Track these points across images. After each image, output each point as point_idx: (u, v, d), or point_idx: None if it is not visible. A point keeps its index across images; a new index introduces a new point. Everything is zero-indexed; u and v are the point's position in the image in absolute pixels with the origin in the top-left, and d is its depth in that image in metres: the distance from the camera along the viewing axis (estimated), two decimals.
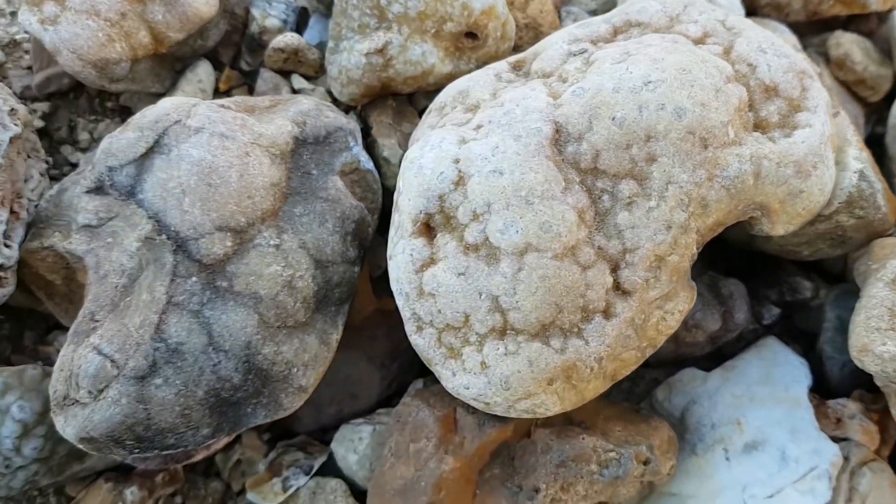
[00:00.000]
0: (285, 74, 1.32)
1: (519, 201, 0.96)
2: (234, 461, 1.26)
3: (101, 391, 0.98)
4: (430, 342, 1.02)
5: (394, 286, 1.06)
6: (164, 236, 1.05)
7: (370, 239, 1.19)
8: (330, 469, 1.24)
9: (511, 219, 0.96)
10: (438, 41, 1.19)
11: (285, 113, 1.15)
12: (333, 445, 1.23)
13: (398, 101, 1.28)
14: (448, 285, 0.99)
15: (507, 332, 0.97)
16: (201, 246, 1.04)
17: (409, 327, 1.04)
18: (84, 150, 1.32)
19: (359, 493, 1.20)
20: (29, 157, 1.18)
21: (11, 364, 1.25)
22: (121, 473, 1.23)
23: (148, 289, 1.02)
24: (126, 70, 1.19)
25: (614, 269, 0.99)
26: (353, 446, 1.20)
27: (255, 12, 1.30)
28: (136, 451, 1.02)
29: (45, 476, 1.13)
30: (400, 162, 1.20)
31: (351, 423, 1.24)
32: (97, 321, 1.01)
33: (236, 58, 1.36)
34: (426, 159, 1.04)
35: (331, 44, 1.25)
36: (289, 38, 1.28)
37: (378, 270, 1.26)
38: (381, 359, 1.25)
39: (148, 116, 1.07)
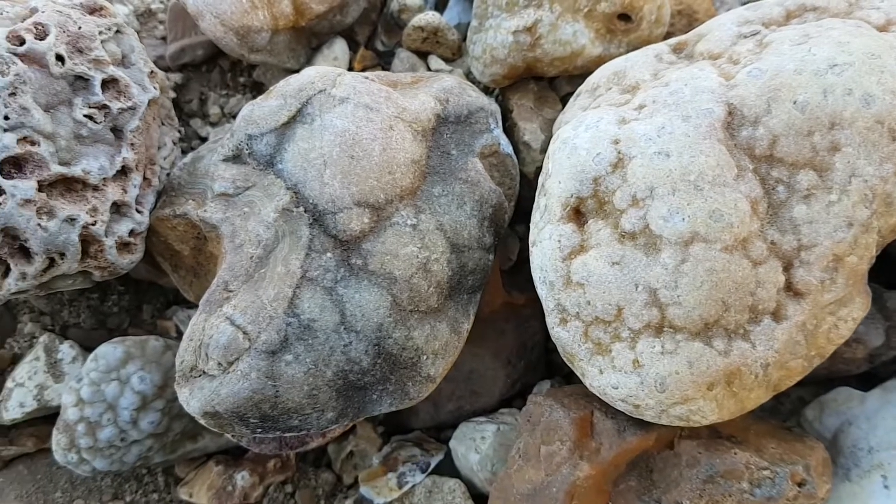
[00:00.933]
0: (422, 55, 1.28)
1: (687, 186, 0.88)
2: (346, 452, 1.21)
3: (231, 363, 0.93)
4: (576, 336, 0.95)
5: (536, 275, 0.99)
6: (301, 208, 1.00)
7: (506, 226, 1.13)
8: (445, 468, 1.17)
9: (677, 205, 0.88)
10: (590, 21, 1.13)
11: (428, 89, 1.10)
12: (452, 443, 1.16)
13: (539, 85, 1.22)
14: (600, 275, 0.92)
15: (665, 328, 0.89)
16: (339, 221, 1.00)
17: (552, 319, 0.97)
18: (213, 125, 1.29)
19: (477, 496, 1.13)
20: (163, 124, 1.16)
21: (126, 335, 1.22)
22: (231, 457, 1.19)
23: (283, 261, 0.98)
24: (266, 40, 1.16)
25: (787, 267, 0.90)
26: (474, 445, 1.13)
27: None
28: (259, 430, 0.97)
29: (158, 453, 1.09)
30: (542, 147, 1.14)
31: (472, 420, 1.17)
32: (230, 291, 0.97)
33: (371, 37, 1.32)
34: (581, 139, 0.97)
35: (474, 22, 1.20)
36: (430, 17, 1.23)
37: (508, 263, 1.19)
38: (507, 355, 1.18)
39: (292, 84, 1.03)
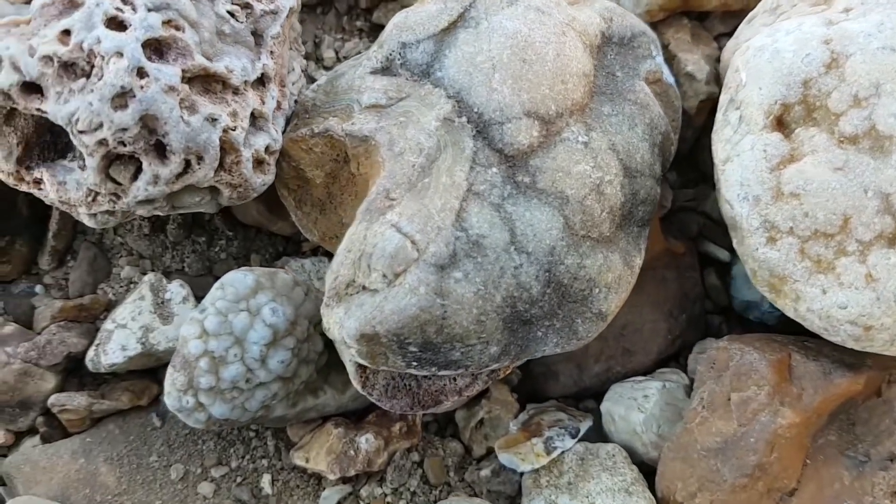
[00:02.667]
0: None
1: None
2: (477, 420, 1.07)
3: (397, 276, 0.81)
4: (789, 254, 0.83)
5: (733, 192, 0.88)
6: (464, 118, 0.90)
7: (671, 159, 1.02)
8: (591, 439, 1.04)
9: None
10: None
11: (591, 7, 1.01)
12: (605, 406, 1.03)
13: (692, 21, 1.13)
14: (820, 182, 0.81)
15: None
16: (506, 132, 0.89)
17: (756, 240, 0.86)
18: (327, 69, 1.20)
19: (637, 464, 0.99)
20: (291, 47, 1.06)
21: None
22: (351, 420, 1.05)
23: (447, 172, 0.87)
24: None
25: None
26: (636, 404, 1.00)
27: None
28: (415, 362, 0.84)
29: (281, 403, 0.96)
30: (706, 79, 1.04)
31: (629, 380, 1.04)
32: (393, 199, 0.85)
33: None
34: (784, 43, 0.88)
35: None
36: None
37: (662, 210, 1.08)
38: (669, 307, 1.06)
39: None
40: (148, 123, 0.82)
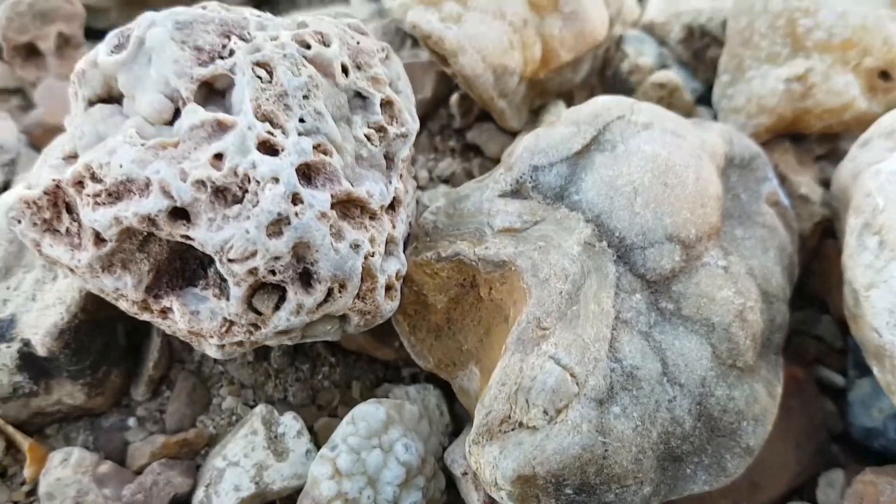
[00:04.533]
0: None
1: None
2: None
3: (558, 412, 0.77)
4: None
5: (882, 320, 0.86)
6: (604, 242, 0.88)
7: (795, 283, 1.00)
8: None
9: None
10: (858, 77, 1.06)
11: (710, 129, 1.01)
12: None
13: (794, 143, 1.14)
14: None
15: None
16: (648, 257, 0.87)
17: None
18: (422, 188, 1.18)
19: None
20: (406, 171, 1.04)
21: (336, 416, 1.04)
22: None
23: (594, 299, 0.84)
24: (515, 84, 1.08)
25: None
26: None
27: (628, 49, 1.20)
28: None
29: None
30: (821, 201, 1.04)
31: None
32: (546, 328, 0.82)
33: (587, 99, 1.24)
34: None
35: (725, 78, 1.13)
36: (670, 75, 1.17)
37: None
38: (796, 437, 1.02)
39: (584, 111, 0.94)
40: (299, 251, 0.78)
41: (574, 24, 1.08)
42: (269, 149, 0.79)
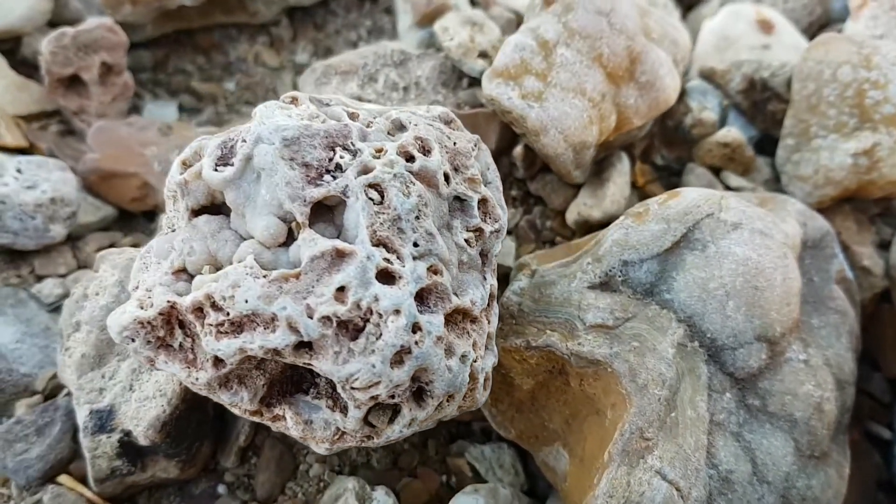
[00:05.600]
0: (714, 171, 1.22)
1: None
2: None
3: None
4: None
5: None
6: (696, 343, 0.92)
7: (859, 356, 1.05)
8: None
9: None
10: None
11: (785, 212, 1.04)
12: None
13: (852, 206, 1.17)
14: None
15: None
16: (738, 357, 0.91)
17: None
18: None
19: None
20: None
21: (416, 476, 1.09)
22: None
23: (690, 404, 0.88)
24: (592, 156, 1.09)
25: None
26: None
27: (691, 103, 1.21)
28: None
29: None
30: (883, 272, 1.08)
31: None
32: (648, 439, 0.86)
33: (648, 151, 1.26)
34: None
35: (789, 141, 1.15)
36: (734, 133, 1.18)
37: None
38: (853, 499, 1.08)
39: (673, 208, 0.95)
40: (418, 375, 0.81)
41: (649, 94, 1.08)
42: (387, 277, 0.80)
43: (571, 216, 1.17)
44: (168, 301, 0.82)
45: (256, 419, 0.88)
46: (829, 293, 1.02)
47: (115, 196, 1.24)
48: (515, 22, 1.40)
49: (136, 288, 0.88)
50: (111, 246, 1.25)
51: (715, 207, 0.95)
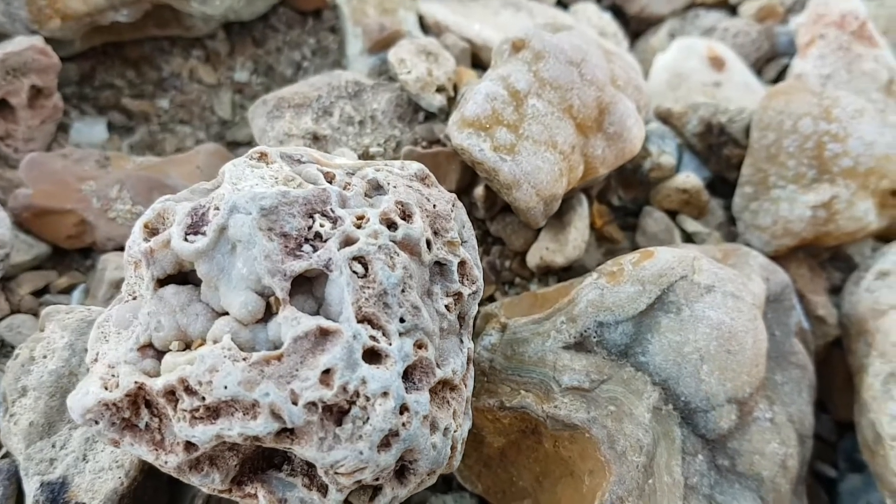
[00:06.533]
0: (669, 214, 1.23)
1: None
2: None
3: None
4: None
5: None
6: (670, 406, 0.93)
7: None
8: None
9: None
10: (874, 198, 1.13)
11: (749, 268, 1.05)
12: None
13: (804, 252, 1.20)
14: None
15: None
16: (709, 419, 0.92)
17: None
18: None
19: None
20: None
21: None
22: None
23: (667, 469, 0.89)
24: (558, 206, 1.08)
25: None
26: None
27: (650, 148, 1.21)
28: None
29: None
30: (836, 322, 1.12)
31: None
32: None
33: (605, 191, 1.26)
34: None
35: (747, 189, 1.17)
36: (692, 179, 1.19)
37: None
38: None
39: (648, 269, 0.95)
40: (403, 455, 0.78)
41: (616, 144, 1.08)
42: (374, 356, 0.77)
43: (533, 260, 1.16)
44: (136, 382, 0.77)
45: (226, 496, 0.84)
46: (790, 347, 1.04)
47: (50, 233, 1.15)
48: (469, 51, 1.37)
49: (96, 361, 0.82)
50: (46, 287, 1.17)
51: (688, 269, 0.95)
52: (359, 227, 0.81)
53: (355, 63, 1.37)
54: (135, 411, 0.79)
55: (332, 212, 0.81)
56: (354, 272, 0.78)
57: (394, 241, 0.81)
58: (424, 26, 1.45)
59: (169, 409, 0.76)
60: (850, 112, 1.12)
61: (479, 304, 1.17)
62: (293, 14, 1.54)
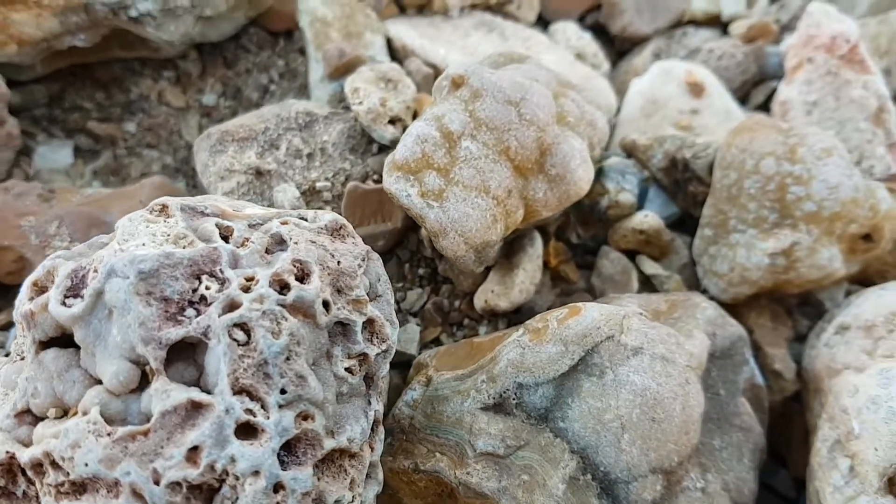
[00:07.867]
0: (628, 254, 1.17)
1: None
2: None
3: None
4: None
5: None
6: (588, 476, 0.87)
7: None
8: None
9: None
10: (840, 243, 1.05)
11: (694, 321, 0.99)
12: None
13: (768, 299, 1.13)
14: None
15: None
16: (631, 490, 0.87)
17: None
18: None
19: None
20: None
21: None
22: None
23: None
24: (495, 253, 1.03)
25: None
26: None
27: (608, 185, 1.15)
28: None
29: None
30: (794, 377, 1.04)
31: None
32: None
33: (563, 228, 1.20)
34: None
35: (707, 231, 1.10)
36: (651, 220, 1.13)
37: None
38: None
39: (573, 328, 0.90)
40: None
41: (559, 186, 1.02)
42: (248, 431, 0.74)
43: (479, 303, 1.12)
44: (7, 452, 0.75)
45: None
46: (734, 408, 0.98)
47: None
48: (433, 77, 1.33)
49: None
50: None
51: (616, 329, 0.90)
52: (246, 289, 0.77)
53: (316, 89, 1.33)
54: (11, 479, 0.77)
55: (221, 273, 0.78)
56: (235, 340, 0.74)
57: (283, 305, 0.78)
58: (393, 49, 1.41)
59: (37, 482, 0.74)
60: (817, 152, 1.04)
61: (424, 346, 1.14)
62: (264, 35, 1.51)
